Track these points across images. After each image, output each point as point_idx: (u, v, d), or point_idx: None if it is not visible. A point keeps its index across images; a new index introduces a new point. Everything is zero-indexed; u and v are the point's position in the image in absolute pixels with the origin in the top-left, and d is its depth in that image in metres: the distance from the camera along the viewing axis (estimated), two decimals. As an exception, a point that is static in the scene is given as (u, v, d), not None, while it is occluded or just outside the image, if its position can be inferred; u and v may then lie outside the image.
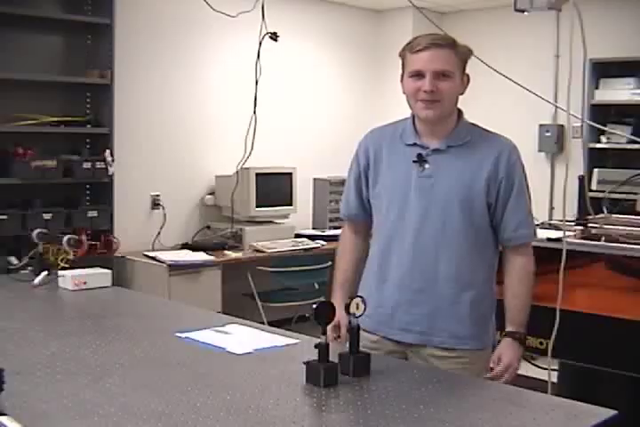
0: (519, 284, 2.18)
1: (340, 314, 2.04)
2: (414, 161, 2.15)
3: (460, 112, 2.20)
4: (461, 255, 2.14)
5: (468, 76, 2.16)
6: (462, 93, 2.16)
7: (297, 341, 2.20)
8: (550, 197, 5.83)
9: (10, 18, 4.04)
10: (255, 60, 5.01)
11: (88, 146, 4.49)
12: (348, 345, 1.92)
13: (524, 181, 2.17)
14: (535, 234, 2.23)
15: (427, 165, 2.14)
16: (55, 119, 4.30)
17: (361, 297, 1.88)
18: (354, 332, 1.89)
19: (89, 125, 4.42)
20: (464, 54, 2.12)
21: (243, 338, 2.22)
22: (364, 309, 1.87)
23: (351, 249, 2.37)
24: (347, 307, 1.86)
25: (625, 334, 2.95)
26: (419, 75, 2.08)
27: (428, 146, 2.15)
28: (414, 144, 2.17)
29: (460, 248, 2.14)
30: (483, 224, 2.15)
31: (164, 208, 5.05)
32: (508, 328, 2.19)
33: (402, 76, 2.16)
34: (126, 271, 4.62)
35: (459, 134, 2.16)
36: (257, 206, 5.13)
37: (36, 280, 2.95)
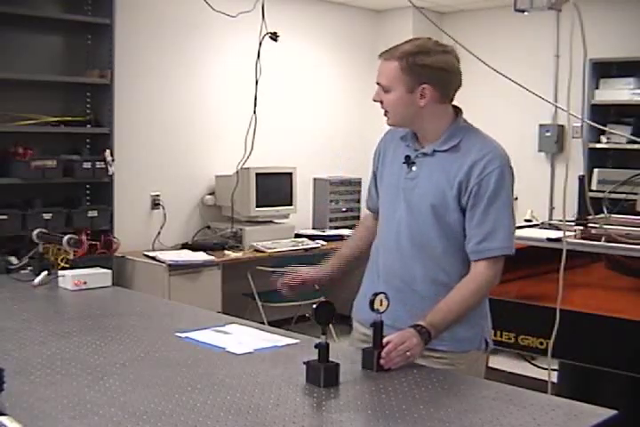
0: (456, 290, 2.07)
1: (311, 274, 2.37)
2: (403, 162, 2.19)
3: (456, 113, 2.18)
4: (436, 258, 2.13)
5: (426, 88, 2.06)
6: (422, 106, 2.09)
7: (297, 341, 2.20)
8: (550, 197, 5.83)
9: (10, 18, 4.04)
10: (255, 60, 5.02)
11: (88, 146, 4.49)
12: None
13: (501, 193, 2.06)
14: (503, 249, 2.07)
15: (413, 168, 2.17)
16: (55, 119, 4.30)
17: (384, 293, 1.91)
18: (377, 327, 1.92)
19: (89, 125, 4.42)
20: (415, 67, 2.05)
21: (243, 338, 2.22)
22: (388, 305, 1.91)
23: (365, 234, 2.42)
24: (371, 303, 1.90)
25: (625, 334, 2.95)
26: None
27: (418, 148, 2.18)
28: (408, 146, 2.21)
29: (433, 251, 2.13)
30: (457, 229, 2.11)
31: (164, 208, 5.05)
32: (418, 322, 2.00)
33: None
34: (126, 271, 4.62)
35: (447, 138, 2.14)
36: (257, 206, 5.13)
37: (36, 280, 2.95)
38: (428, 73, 2.06)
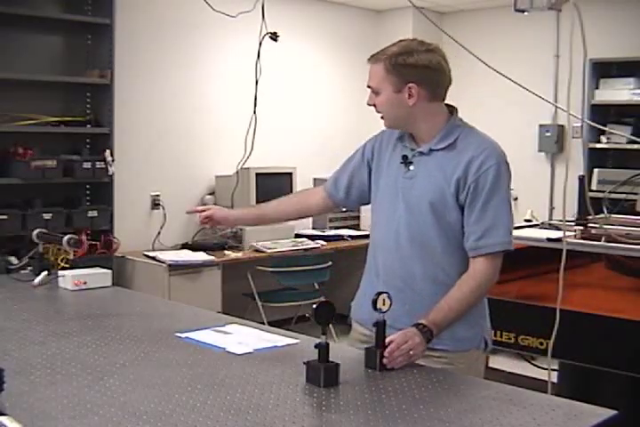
0: (456, 288, 2.08)
1: (217, 211, 2.50)
2: (400, 162, 2.20)
3: (451, 112, 2.19)
4: (436, 258, 2.14)
5: (412, 87, 2.07)
6: (412, 106, 2.10)
7: (297, 341, 2.20)
8: (550, 197, 5.84)
9: (10, 18, 4.04)
10: (255, 60, 5.01)
11: (88, 146, 4.50)
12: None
13: (498, 190, 2.07)
14: (502, 245, 2.08)
15: (411, 167, 2.18)
16: (55, 119, 4.30)
17: (387, 293, 1.91)
18: (380, 327, 1.92)
19: (89, 125, 4.42)
20: (399, 67, 2.07)
21: (243, 338, 2.22)
22: (390, 304, 1.91)
23: (300, 207, 2.51)
24: (374, 302, 1.90)
25: (625, 334, 2.95)
26: None
27: (415, 148, 2.19)
28: (405, 146, 2.22)
29: (433, 250, 2.14)
30: (457, 228, 2.12)
31: (164, 208, 5.06)
32: (419, 321, 2.01)
33: None
34: (126, 271, 4.63)
35: (443, 137, 2.15)
36: (257, 206, 5.13)
37: (36, 280, 2.94)
38: (412, 72, 2.08)
